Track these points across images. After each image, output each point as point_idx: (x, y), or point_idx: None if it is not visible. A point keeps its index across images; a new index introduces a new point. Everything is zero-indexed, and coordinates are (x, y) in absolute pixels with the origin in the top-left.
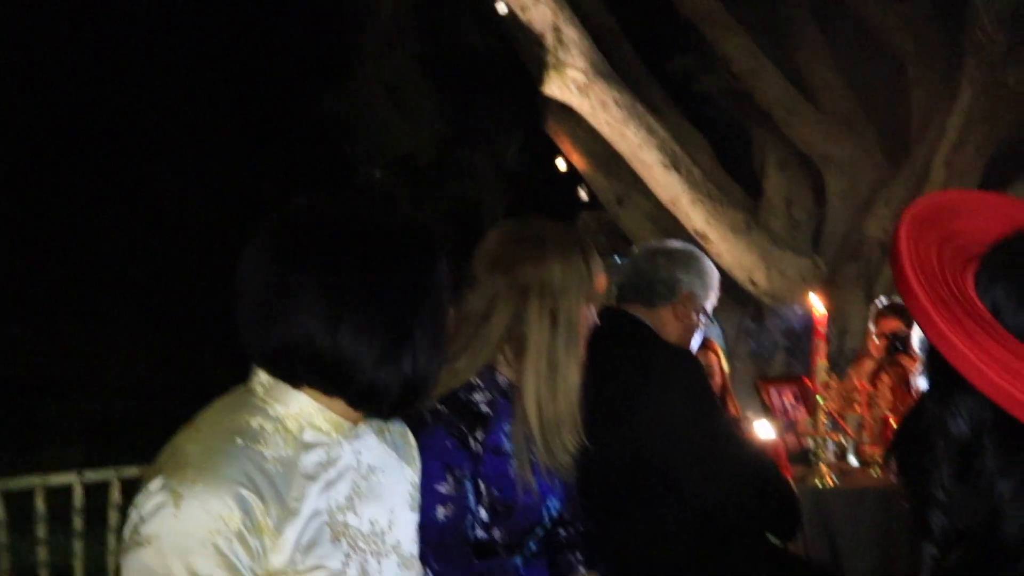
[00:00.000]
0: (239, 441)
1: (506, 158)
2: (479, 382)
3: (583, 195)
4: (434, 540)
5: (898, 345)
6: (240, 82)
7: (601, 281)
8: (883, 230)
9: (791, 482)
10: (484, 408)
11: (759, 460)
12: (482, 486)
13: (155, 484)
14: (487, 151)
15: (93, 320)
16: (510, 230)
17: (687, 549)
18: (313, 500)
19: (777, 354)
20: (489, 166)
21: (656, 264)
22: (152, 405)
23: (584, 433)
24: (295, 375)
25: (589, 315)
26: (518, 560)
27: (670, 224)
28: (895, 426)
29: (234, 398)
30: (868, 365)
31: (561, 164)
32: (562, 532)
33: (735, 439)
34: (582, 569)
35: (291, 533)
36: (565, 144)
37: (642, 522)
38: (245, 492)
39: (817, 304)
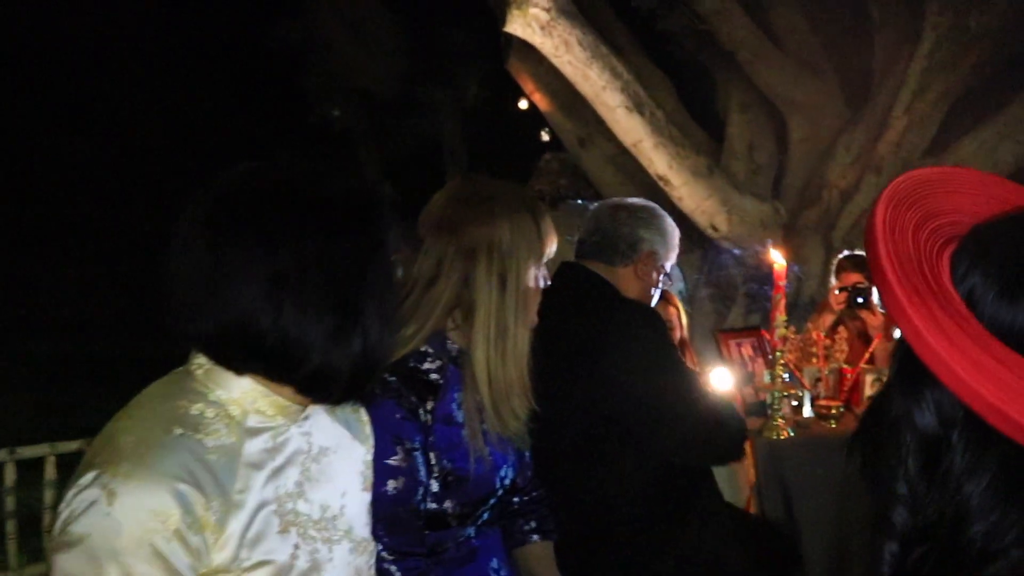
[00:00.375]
0: (177, 431)
1: (467, 96)
2: (429, 349)
3: (545, 136)
4: (384, 514)
5: (859, 299)
6: (186, 5)
7: (552, 242)
8: (843, 176)
9: (744, 422)
10: (434, 376)
11: (717, 408)
12: (432, 458)
13: (86, 478)
14: (448, 89)
15: (42, 256)
16: (457, 190)
17: (645, 505)
18: (258, 490)
19: (738, 298)
20: (450, 104)
21: (617, 221)
22: (105, 341)
23: (541, 392)
24: (236, 361)
25: (540, 277)
26: (470, 530)
27: (632, 167)
28: (851, 379)
29: (172, 381)
30: (827, 318)
31: (523, 104)
32: (515, 500)
33: (695, 391)
34: (535, 537)
35: (235, 527)
36: (527, 84)
37: (601, 478)
38: (184, 487)
39: (777, 258)
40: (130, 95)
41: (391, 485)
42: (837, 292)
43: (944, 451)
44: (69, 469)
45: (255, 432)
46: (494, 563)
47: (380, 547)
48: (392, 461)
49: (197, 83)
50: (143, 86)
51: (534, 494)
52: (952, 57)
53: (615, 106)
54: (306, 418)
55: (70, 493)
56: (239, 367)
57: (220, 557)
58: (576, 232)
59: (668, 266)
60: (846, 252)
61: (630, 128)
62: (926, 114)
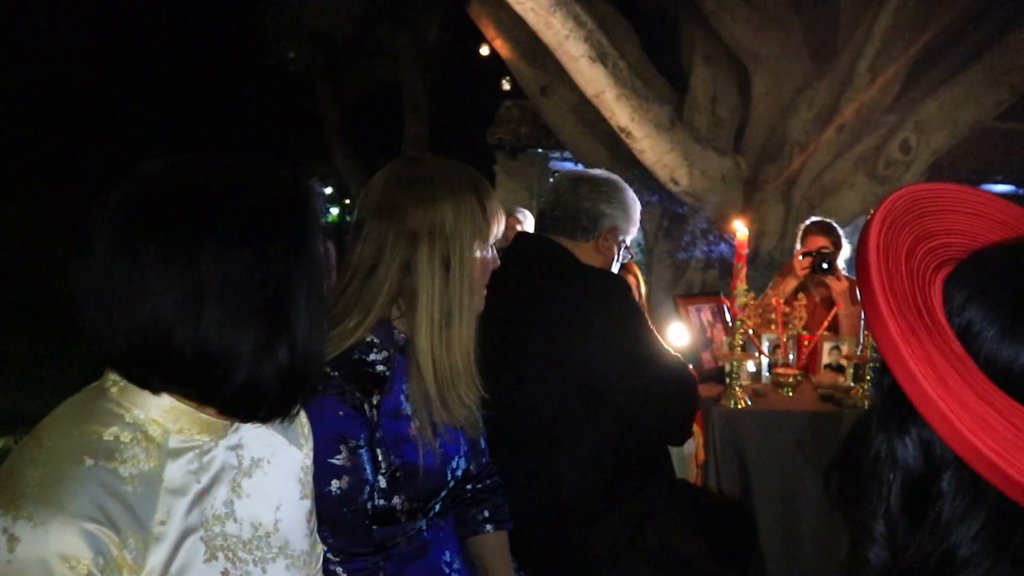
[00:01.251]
0: (88, 461)
1: (428, 41)
2: (375, 339)
3: (506, 84)
4: (329, 514)
5: (823, 264)
6: None
7: (499, 222)
8: (805, 132)
9: (695, 385)
10: (380, 368)
11: (679, 369)
12: (379, 454)
13: None
14: (409, 32)
15: None
16: (397, 171)
17: (600, 489)
18: (182, 518)
19: (695, 253)
20: (410, 47)
21: (578, 195)
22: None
23: (501, 366)
24: (152, 379)
25: (489, 259)
26: (421, 523)
27: (594, 117)
28: (808, 346)
29: (84, 400)
30: (790, 283)
31: (484, 51)
32: (468, 487)
33: (662, 354)
34: (489, 527)
35: (155, 562)
36: (489, 30)
37: (557, 460)
38: (94, 527)
39: (739, 227)
40: (87, 35)
41: (335, 485)
42: (801, 257)
43: (932, 494)
44: None
45: (178, 453)
46: (446, 556)
47: (325, 548)
48: (335, 460)
49: (150, 25)
50: (94, 29)
51: (488, 482)
52: (917, 16)
53: (578, 56)
54: (235, 430)
55: None
56: (156, 385)
57: None
58: (534, 182)
59: (629, 240)
60: (813, 218)
61: (592, 79)
62: (889, 72)
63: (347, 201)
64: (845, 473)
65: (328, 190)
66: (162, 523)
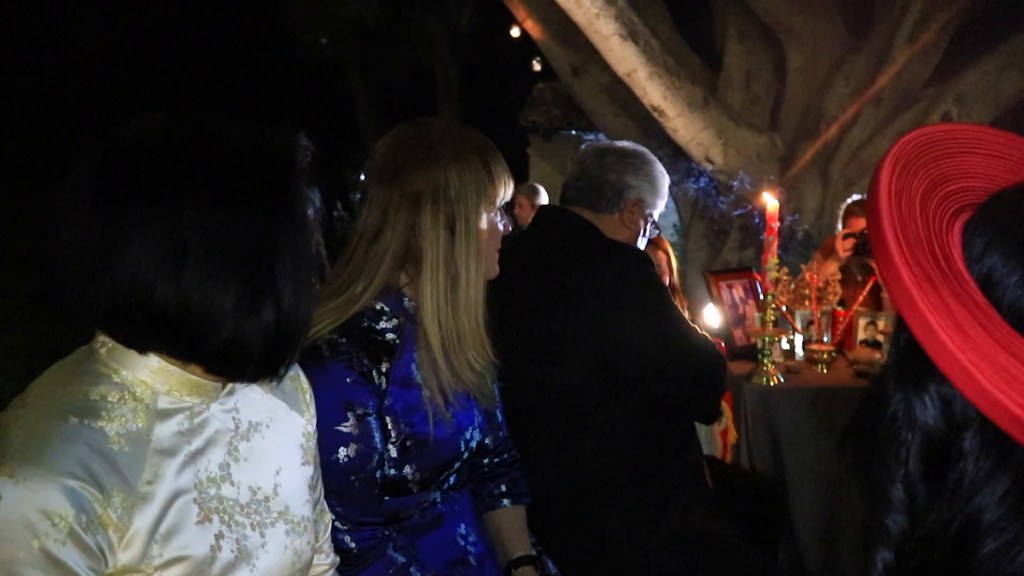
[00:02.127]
0: (72, 419)
1: (459, 23)
2: (385, 307)
3: (537, 65)
4: (337, 483)
5: (868, 246)
6: None
7: (507, 185)
8: (842, 107)
9: (725, 365)
10: (390, 336)
11: (706, 351)
12: (389, 422)
13: None
14: (439, 15)
15: None
16: (399, 135)
17: (626, 455)
18: (172, 479)
19: (732, 232)
20: (441, 31)
21: (604, 166)
22: None
23: (521, 343)
24: (137, 338)
25: (497, 223)
26: (435, 495)
27: (626, 97)
28: (844, 322)
29: (73, 362)
30: (832, 266)
31: (515, 32)
32: (485, 462)
33: (688, 335)
34: (506, 502)
35: (143, 523)
36: (520, 11)
37: (577, 439)
38: (76, 484)
39: (769, 200)
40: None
41: (342, 453)
42: (844, 239)
43: (953, 456)
44: None
45: (167, 414)
46: (462, 528)
47: (333, 517)
48: (343, 428)
49: (181, 15)
50: (128, 22)
51: (505, 456)
52: None
53: (609, 34)
54: (230, 394)
55: None
56: (141, 344)
57: (127, 556)
58: (569, 163)
59: (656, 214)
60: (855, 196)
61: (624, 57)
62: (928, 43)
63: None
64: (861, 436)
65: (363, 176)
66: (149, 483)
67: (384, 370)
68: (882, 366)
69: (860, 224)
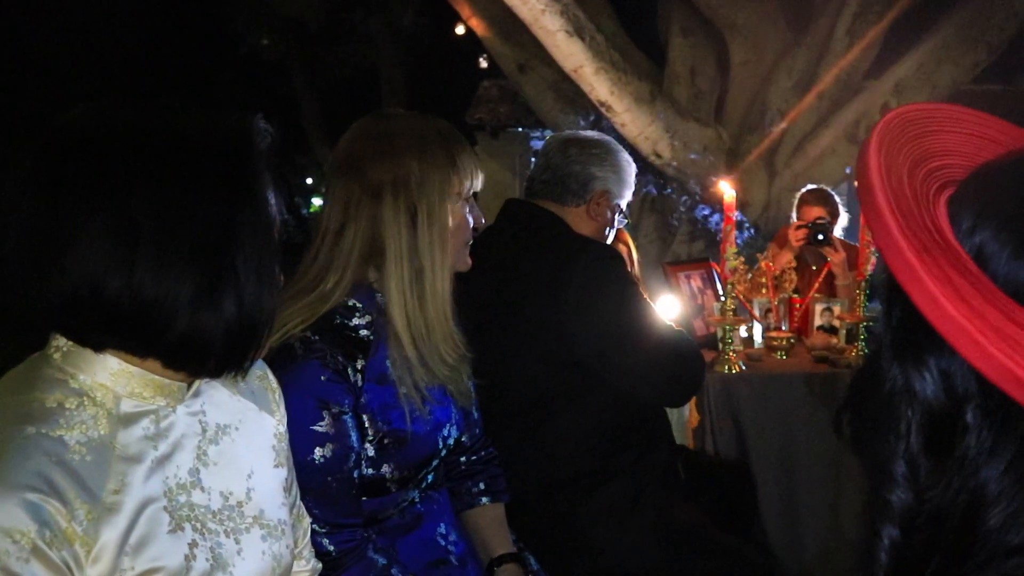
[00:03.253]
0: (29, 429)
1: (403, 23)
2: (357, 304)
3: (483, 63)
4: (314, 484)
5: (819, 236)
6: None
7: (474, 176)
8: (785, 100)
9: (701, 355)
10: (364, 332)
11: (679, 342)
12: (366, 420)
13: None
14: (382, 15)
15: None
16: (360, 127)
17: (600, 450)
18: (140, 487)
19: (682, 226)
20: (385, 31)
21: (568, 157)
22: None
23: (492, 340)
24: (91, 335)
25: (461, 215)
26: (413, 494)
27: (573, 93)
28: (800, 309)
29: (26, 370)
30: (786, 256)
31: (460, 30)
32: (463, 460)
33: (659, 327)
34: (484, 499)
35: (111, 534)
36: (464, 9)
37: (548, 435)
38: (37, 497)
39: (726, 190)
40: (48, 32)
41: (318, 453)
42: (796, 229)
43: (956, 429)
44: None
45: (131, 419)
46: (442, 528)
47: (311, 520)
48: (318, 427)
49: (118, 17)
50: (62, 21)
51: (483, 453)
52: None
53: (554, 30)
54: (196, 395)
55: None
56: (96, 342)
57: (96, 571)
58: (516, 161)
59: (623, 204)
60: (809, 186)
61: (570, 53)
62: (867, 37)
63: None
64: (857, 413)
65: (308, 180)
66: (115, 492)
67: (359, 367)
68: (875, 345)
69: (813, 213)
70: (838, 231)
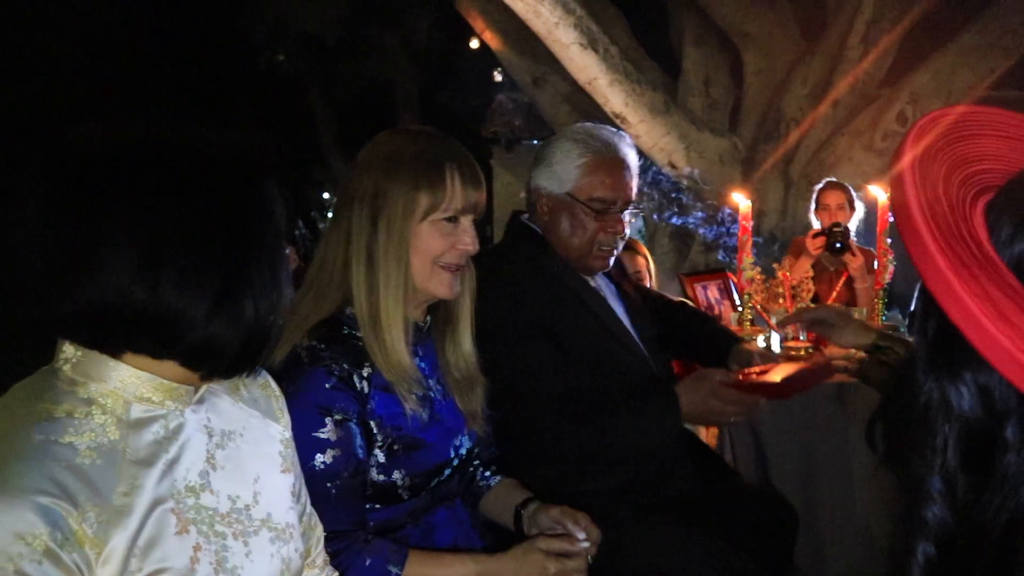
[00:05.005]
0: (38, 437)
1: (417, 38)
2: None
3: (498, 76)
4: (317, 491)
5: (837, 244)
6: None
7: (452, 199)
8: (800, 109)
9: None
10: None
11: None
12: (374, 426)
13: None
14: (397, 30)
15: None
16: (369, 142)
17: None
18: (151, 489)
19: (697, 236)
20: (400, 46)
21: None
22: None
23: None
24: (110, 342)
25: (436, 236)
26: (428, 502)
27: (588, 105)
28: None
29: (34, 383)
30: (804, 263)
31: (474, 44)
32: (475, 462)
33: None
34: (496, 478)
35: (121, 536)
36: (478, 22)
37: (532, 446)
38: (48, 501)
39: (742, 201)
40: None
41: (319, 459)
42: (813, 237)
43: (995, 445)
44: None
45: (141, 424)
46: (458, 539)
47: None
48: (320, 434)
49: (136, 33)
50: (81, 39)
51: (492, 449)
52: None
53: (569, 43)
54: (201, 402)
55: None
56: (117, 347)
57: (105, 573)
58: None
59: (588, 194)
60: (827, 180)
61: (585, 66)
62: (881, 44)
63: None
64: (891, 426)
65: (325, 195)
66: (125, 495)
67: (366, 375)
68: (908, 355)
69: (833, 200)
70: (853, 224)
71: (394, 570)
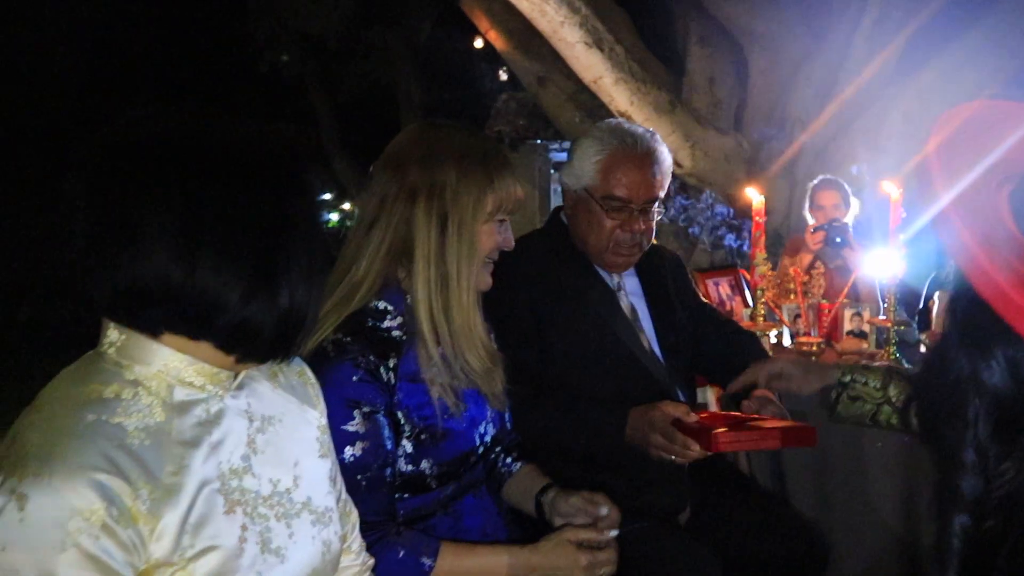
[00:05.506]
0: (90, 417)
1: (420, 38)
2: (388, 306)
3: (502, 75)
4: (347, 484)
5: (837, 239)
6: None
7: (509, 198)
8: (805, 108)
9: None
10: (396, 333)
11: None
12: (401, 417)
13: None
14: (400, 30)
15: None
16: (412, 130)
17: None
18: (198, 469)
19: (702, 237)
20: (403, 46)
21: None
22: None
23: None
24: (149, 320)
25: (491, 233)
26: (456, 492)
27: (593, 105)
28: (829, 314)
29: (81, 366)
30: (805, 257)
31: (478, 43)
32: (497, 448)
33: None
34: (518, 464)
35: (172, 514)
36: (482, 22)
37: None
38: (104, 477)
39: (754, 195)
40: (68, 51)
41: (348, 452)
42: (813, 232)
43: (1022, 412)
44: None
45: (185, 407)
46: (487, 528)
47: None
48: (349, 427)
49: (138, 34)
50: (86, 37)
51: (513, 436)
52: None
53: (574, 42)
54: (241, 387)
55: None
56: (153, 326)
57: (159, 549)
58: (535, 173)
59: (606, 195)
60: (821, 176)
61: (590, 64)
62: (887, 43)
63: (346, 207)
64: (925, 404)
65: (327, 196)
66: (174, 474)
67: (392, 366)
68: (941, 337)
69: (828, 200)
70: (850, 220)
71: (427, 562)
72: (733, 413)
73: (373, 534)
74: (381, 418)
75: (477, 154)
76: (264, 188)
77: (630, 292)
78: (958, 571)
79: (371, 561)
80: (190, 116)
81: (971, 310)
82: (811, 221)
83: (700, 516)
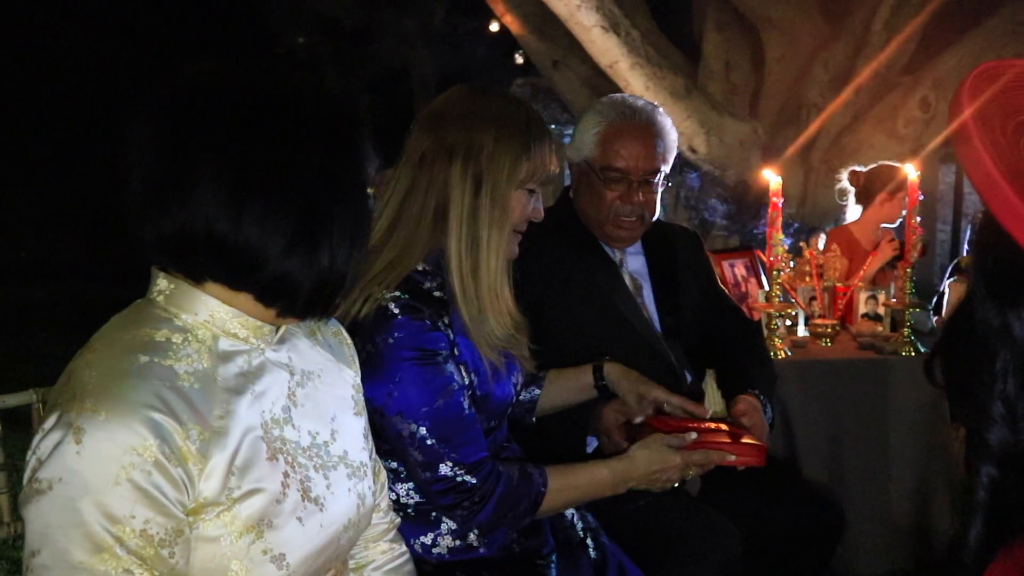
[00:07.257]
0: (143, 358)
1: (435, 20)
2: (427, 267)
3: (518, 59)
4: (445, 431)
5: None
6: None
7: (545, 167)
8: (821, 95)
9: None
10: (437, 294)
11: None
12: (461, 369)
13: (50, 421)
14: (416, 13)
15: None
16: (454, 91)
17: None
18: (243, 416)
19: (717, 221)
20: (418, 29)
21: None
22: (71, 286)
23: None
24: (194, 266)
25: (524, 201)
26: (500, 441)
27: (608, 89)
28: (845, 297)
29: (133, 311)
30: (820, 235)
31: (494, 27)
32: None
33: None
34: (535, 389)
35: (220, 455)
36: (498, 5)
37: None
38: (158, 416)
39: (772, 177)
40: (89, 31)
41: (440, 401)
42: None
43: None
44: None
45: (228, 356)
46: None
47: (450, 464)
48: (431, 376)
49: (154, 17)
50: (102, 20)
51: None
52: None
53: (590, 26)
54: (282, 342)
55: (36, 439)
56: (197, 272)
57: (208, 488)
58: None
59: (604, 165)
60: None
61: (606, 48)
62: (905, 30)
63: None
64: (950, 358)
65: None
66: (221, 418)
67: (447, 322)
68: (967, 292)
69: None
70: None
71: (540, 481)
72: (686, 421)
73: (485, 467)
74: (451, 364)
75: (518, 120)
76: (315, 148)
77: (635, 271)
78: (985, 522)
79: (398, 520)
80: (254, 69)
81: (1001, 261)
82: (853, 207)
83: (712, 487)
